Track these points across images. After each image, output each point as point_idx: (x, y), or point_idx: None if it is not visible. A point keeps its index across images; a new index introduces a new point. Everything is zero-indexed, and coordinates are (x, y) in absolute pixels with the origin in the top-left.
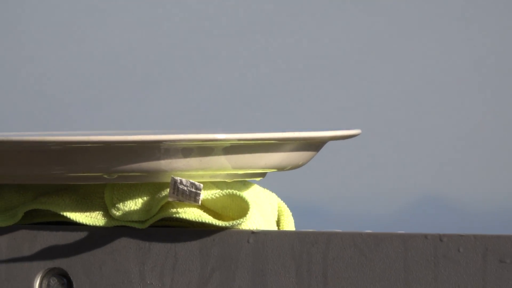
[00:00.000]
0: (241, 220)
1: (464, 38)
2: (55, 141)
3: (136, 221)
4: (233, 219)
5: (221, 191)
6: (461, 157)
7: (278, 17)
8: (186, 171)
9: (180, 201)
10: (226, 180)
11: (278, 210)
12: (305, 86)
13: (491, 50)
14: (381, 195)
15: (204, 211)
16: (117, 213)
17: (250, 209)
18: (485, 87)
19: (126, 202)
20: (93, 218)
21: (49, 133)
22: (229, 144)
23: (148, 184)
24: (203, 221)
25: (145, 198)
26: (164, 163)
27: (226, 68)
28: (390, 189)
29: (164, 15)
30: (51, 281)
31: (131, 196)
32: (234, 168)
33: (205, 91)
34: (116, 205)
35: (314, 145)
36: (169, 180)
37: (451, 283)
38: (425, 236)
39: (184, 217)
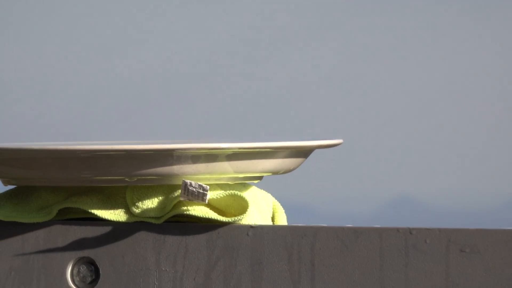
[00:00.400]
0: (241, 216)
1: (437, 56)
2: (83, 150)
3: (153, 217)
4: (235, 216)
5: (225, 192)
6: (429, 164)
7: (271, 38)
8: (195, 175)
9: (190, 200)
10: (229, 182)
11: (272, 208)
12: (298, 100)
13: (458, 66)
14: (360, 196)
15: (210, 209)
16: (137, 211)
17: (249, 207)
18: (452, 103)
19: (144, 201)
20: (116, 215)
21: (78, 143)
22: (231, 152)
23: (162, 186)
24: (210, 217)
25: (160, 198)
26: (176, 168)
27: (227, 86)
28: (368, 191)
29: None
30: (81, 268)
31: (148, 196)
32: (236, 172)
33: (208, 105)
34: (136, 204)
35: (303, 152)
36: (180, 182)
37: (419, 269)
38: (397, 230)
39: (193, 214)
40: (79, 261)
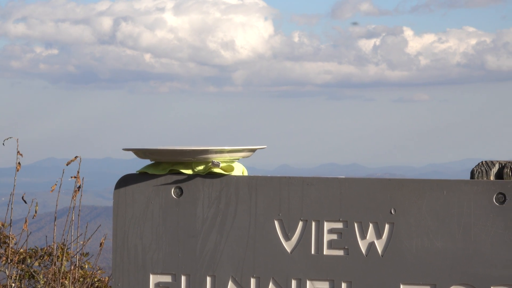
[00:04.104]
0: (231, 172)
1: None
2: (184, 150)
3: (202, 172)
4: (229, 172)
5: (225, 163)
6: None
7: None
8: (216, 158)
9: (213, 167)
10: (227, 160)
11: (242, 170)
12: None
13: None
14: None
15: (221, 169)
16: (196, 170)
17: (234, 169)
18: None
19: (198, 167)
20: (189, 171)
21: (175, 147)
22: (228, 149)
23: (207, 161)
24: (220, 172)
25: (203, 166)
26: (210, 155)
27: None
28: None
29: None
30: (176, 190)
31: (200, 165)
32: (230, 156)
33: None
34: (196, 167)
35: (252, 150)
36: (211, 160)
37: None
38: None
39: (215, 171)
40: (176, 187)
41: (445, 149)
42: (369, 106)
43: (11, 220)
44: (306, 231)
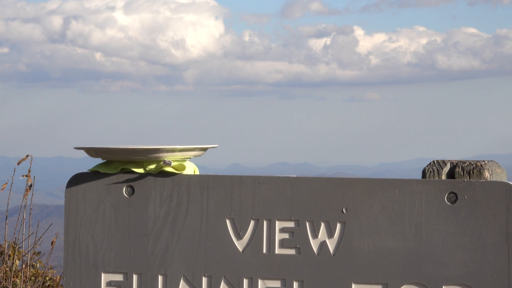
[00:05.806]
0: (183, 171)
1: None
2: (136, 148)
3: (153, 171)
4: (181, 171)
5: (177, 162)
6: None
7: None
8: (167, 157)
9: (165, 165)
10: (178, 159)
11: (194, 169)
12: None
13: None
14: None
15: (173, 168)
16: (147, 169)
17: (185, 168)
18: None
19: (150, 166)
20: (140, 170)
21: (129, 145)
22: (180, 148)
23: (158, 160)
24: (172, 171)
25: (155, 165)
26: (161, 154)
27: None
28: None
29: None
30: (128, 188)
31: (151, 163)
32: (182, 155)
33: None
34: (148, 166)
35: (204, 149)
36: (162, 159)
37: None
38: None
39: (167, 170)
40: (127, 186)
41: (396, 148)
42: (320, 105)
43: None
44: (257, 230)
